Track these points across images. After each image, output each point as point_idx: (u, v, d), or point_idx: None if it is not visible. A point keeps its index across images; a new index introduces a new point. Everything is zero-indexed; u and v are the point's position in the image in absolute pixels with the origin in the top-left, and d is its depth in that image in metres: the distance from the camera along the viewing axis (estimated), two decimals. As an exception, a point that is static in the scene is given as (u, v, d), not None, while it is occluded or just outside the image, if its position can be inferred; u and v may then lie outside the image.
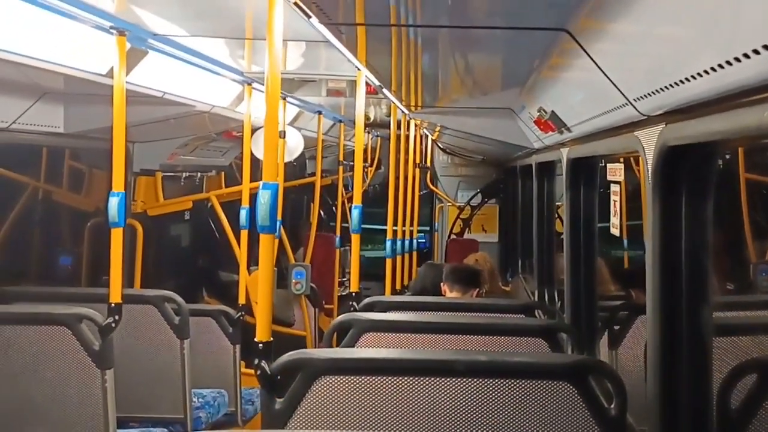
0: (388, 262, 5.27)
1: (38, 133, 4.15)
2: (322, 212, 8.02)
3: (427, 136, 8.57)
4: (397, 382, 2.19)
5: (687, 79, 1.65)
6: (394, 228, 5.56)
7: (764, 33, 1.19)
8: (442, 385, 2.21)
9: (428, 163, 9.01)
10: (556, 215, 5.53)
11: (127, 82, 3.21)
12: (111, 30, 2.99)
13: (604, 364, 2.79)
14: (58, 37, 2.98)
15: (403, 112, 5.71)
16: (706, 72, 1.53)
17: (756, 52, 1.24)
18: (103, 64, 3.31)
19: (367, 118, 7.55)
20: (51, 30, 2.89)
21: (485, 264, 5.39)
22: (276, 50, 2.24)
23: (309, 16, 2.04)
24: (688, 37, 1.57)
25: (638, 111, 2.12)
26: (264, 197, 2.19)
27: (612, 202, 3.58)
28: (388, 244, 5.25)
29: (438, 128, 6.97)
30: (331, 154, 9.41)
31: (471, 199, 8.81)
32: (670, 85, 1.77)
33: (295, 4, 1.90)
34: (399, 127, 6.25)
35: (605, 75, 2.14)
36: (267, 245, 2.23)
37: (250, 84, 4.48)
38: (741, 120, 1.58)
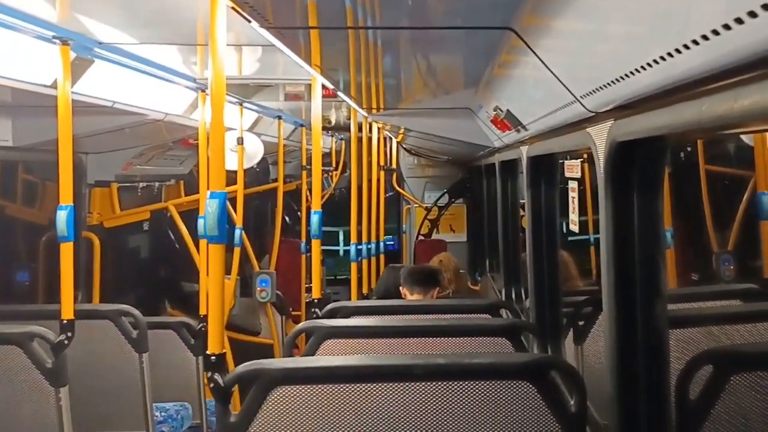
0: (353, 266, 5.24)
1: (-14, 148, 4.05)
2: (287, 218, 7.95)
3: (391, 138, 8.56)
4: (356, 389, 2.16)
5: (631, 73, 1.64)
6: (360, 231, 5.53)
7: (706, 21, 1.18)
8: (402, 390, 2.18)
9: (393, 165, 8.99)
10: (521, 213, 5.54)
11: (74, 93, 3.14)
12: (54, 40, 2.92)
13: (561, 361, 2.79)
14: (2, 48, 2.90)
15: (363, 115, 5.68)
16: (651, 64, 1.52)
17: (704, 37, 1.23)
18: (48, 75, 3.23)
19: (328, 121, 7.51)
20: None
21: (449, 264, 5.38)
22: (220, 55, 2.20)
23: (249, 21, 2.00)
24: (631, 31, 1.56)
25: (586, 108, 2.11)
26: (212, 206, 2.14)
27: (570, 199, 3.59)
28: (353, 247, 5.21)
29: (402, 130, 6.96)
30: (294, 158, 9.35)
31: (438, 199, 8.82)
32: (616, 80, 1.76)
33: (233, 8, 1.86)
34: (361, 130, 6.22)
35: (552, 73, 2.13)
36: (216, 255, 2.18)
37: (203, 90, 4.42)
38: (682, 114, 1.57)
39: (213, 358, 2.14)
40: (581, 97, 2.09)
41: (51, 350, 3.05)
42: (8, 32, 2.79)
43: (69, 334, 3.07)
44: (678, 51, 1.37)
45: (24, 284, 5.33)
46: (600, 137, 2.20)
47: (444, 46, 2.83)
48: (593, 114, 2.16)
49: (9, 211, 5.29)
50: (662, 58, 1.45)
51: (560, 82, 2.15)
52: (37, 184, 5.46)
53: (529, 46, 2.15)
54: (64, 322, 3.08)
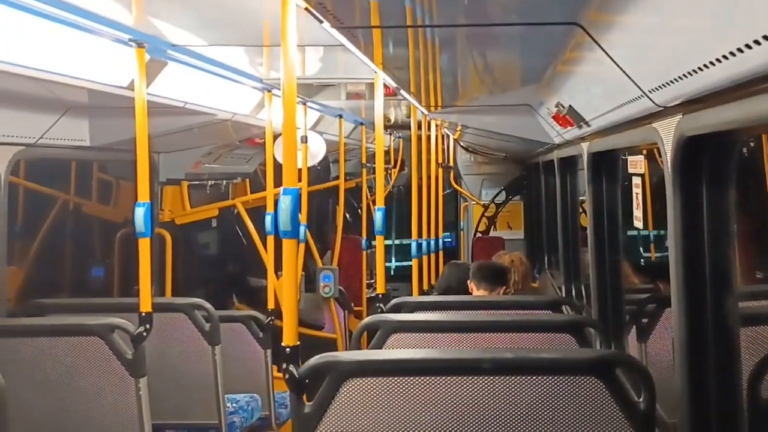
0: (415, 262, 5.28)
1: (65, 147, 4.23)
2: (347, 215, 8.05)
3: (448, 136, 8.57)
4: (425, 382, 2.21)
5: (702, 67, 1.64)
6: (420, 228, 5.58)
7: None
8: (470, 383, 2.21)
9: (451, 163, 8.99)
10: (581, 210, 5.50)
11: (148, 94, 3.27)
12: (130, 42, 3.04)
13: (630, 358, 2.78)
14: (80, 51, 3.04)
15: (422, 112, 5.71)
16: (722, 58, 1.52)
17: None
18: (124, 76, 3.37)
19: (387, 119, 7.57)
20: (72, 45, 2.95)
21: (520, 266, 5.30)
22: (291, 56, 2.27)
23: (321, 21, 2.06)
24: (701, 25, 1.57)
25: (654, 102, 2.11)
26: (285, 202, 2.21)
27: (634, 195, 3.56)
28: (414, 244, 5.26)
29: (459, 127, 6.96)
30: (354, 157, 9.44)
31: (495, 196, 8.79)
32: (686, 74, 1.76)
33: (307, 9, 1.92)
34: (420, 128, 6.26)
35: (619, 67, 2.14)
36: (290, 250, 2.25)
37: (269, 90, 4.52)
38: (756, 108, 1.57)
39: (288, 350, 2.22)
40: (649, 91, 2.09)
41: (131, 342, 3.19)
42: (87, 36, 2.92)
43: (147, 326, 3.20)
44: (749, 46, 1.37)
45: (98, 279, 5.55)
46: (667, 132, 2.20)
47: (506, 43, 2.84)
48: (661, 108, 2.16)
49: (86, 209, 5.51)
50: (735, 52, 1.45)
51: (627, 76, 2.15)
52: (112, 183, 5.68)
53: (595, 41, 2.15)
54: (143, 314, 3.21)
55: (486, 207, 8.80)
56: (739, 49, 1.42)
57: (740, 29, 1.37)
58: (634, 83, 2.13)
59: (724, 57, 1.51)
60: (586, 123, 3.33)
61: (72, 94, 3.55)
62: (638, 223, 3.56)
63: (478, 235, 8.77)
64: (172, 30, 3.14)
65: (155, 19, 2.99)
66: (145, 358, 3.23)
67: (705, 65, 1.63)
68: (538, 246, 7.82)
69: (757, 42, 1.32)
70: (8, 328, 3.38)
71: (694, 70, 1.71)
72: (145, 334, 3.20)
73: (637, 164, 3.52)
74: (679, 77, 1.81)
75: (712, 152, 2.09)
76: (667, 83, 1.92)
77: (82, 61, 3.12)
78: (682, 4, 1.59)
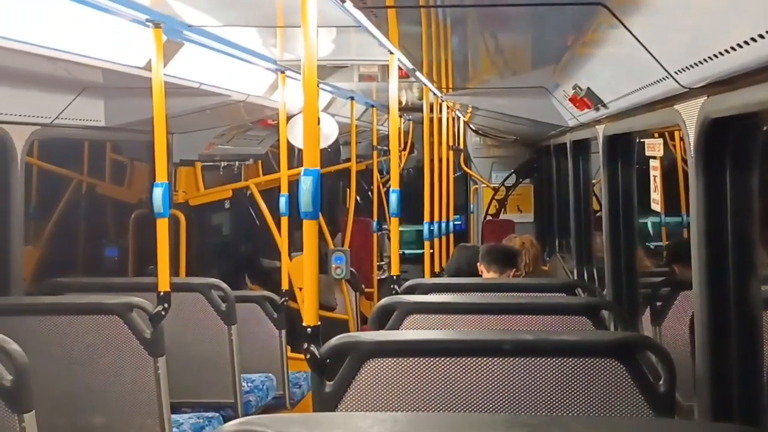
0: (426, 244, 5.29)
1: (80, 127, 4.23)
2: (358, 197, 8.06)
3: (459, 118, 8.54)
4: (445, 362, 2.21)
5: (729, 49, 1.63)
6: (432, 210, 5.58)
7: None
8: (489, 365, 2.22)
9: (461, 145, 8.97)
10: (592, 193, 5.48)
11: (164, 74, 3.26)
12: (147, 23, 3.04)
13: (651, 340, 2.79)
14: (96, 31, 3.04)
15: (435, 94, 5.69)
16: (749, 41, 1.51)
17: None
18: (140, 56, 3.36)
19: (399, 102, 7.54)
20: (89, 25, 2.95)
21: (531, 248, 5.29)
22: (311, 37, 2.26)
23: (343, 1, 2.05)
24: (729, 6, 1.55)
25: (679, 84, 2.09)
26: (306, 183, 2.22)
27: (652, 178, 3.55)
28: (426, 226, 5.26)
29: (470, 110, 6.94)
30: (364, 139, 9.43)
31: (506, 179, 8.78)
32: (713, 56, 1.75)
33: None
34: (431, 110, 6.25)
35: (644, 48, 2.12)
36: (311, 231, 2.26)
37: (283, 72, 4.51)
38: (786, 89, 1.56)
39: (309, 330, 2.23)
40: (675, 72, 2.07)
41: (149, 321, 3.21)
42: (104, 16, 2.92)
43: (166, 305, 3.21)
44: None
45: (113, 259, 5.58)
46: (691, 114, 2.18)
47: (525, 24, 2.82)
48: (685, 90, 2.14)
49: (99, 189, 5.53)
50: (763, 34, 1.44)
51: (653, 57, 2.13)
52: (126, 164, 5.68)
53: (621, 21, 2.14)
54: (161, 293, 3.23)
55: (496, 190, 8.79)
56: (761, 36, 1.41)
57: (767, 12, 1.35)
58: (660, 64, 2.11)
59: (753, 39, 1.50)
60: (604, 105, 3.32)
61: (88, 74, 3.55)
62: (656, 206, 3.56)
63: (488, 218, 8.77)
64: (189, 11, 3.13)
65: (171, 0, 2.98)
66: (164, 338, 3.25)
67: (732, 47, 1.62)
68: (548, 229, 7.82)
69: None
70: (28, 307, 3.41)
71: (721, 52, 1.69)
72: (163, 313, 3.21)
73: (655, 147, 3.50)
74: (706, 59, 1.80)
75: (736, 135, 2.08)
76: (693, 64, 1.91)
77: (98, 41, 3.12)
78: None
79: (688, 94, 2.15)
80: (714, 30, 1.70)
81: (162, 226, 3.22)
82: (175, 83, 3.67)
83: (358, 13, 2.33)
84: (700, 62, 1.86)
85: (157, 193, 3.16)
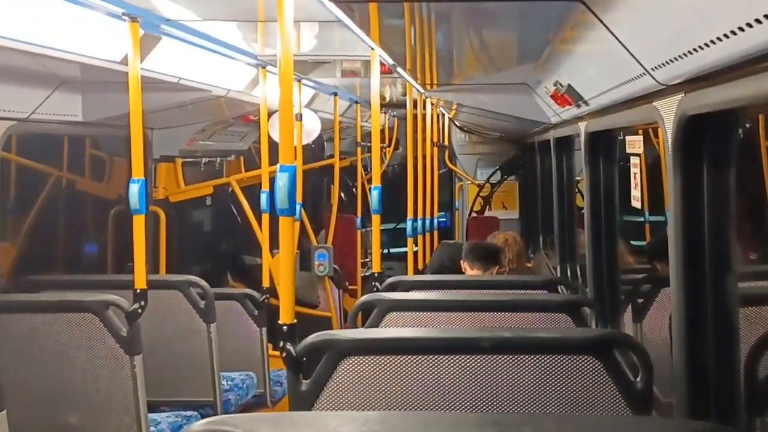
0: (409, 241, 5.28)
1: (57, 123, 4.19)
2: (342, 194, 8.04)
3: (444, 115, 8.53)
4: (423, 360, 2.20)
5: (705, 44, 1.63)
6: (415, 207, 5.56)
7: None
8: (468, 362, 2.21)
9: (446, 142, 8.97)
10: (576, 190, 5.49)
11: (142, 69, 3.23)
12: (123, 16, 3.00)
13: (629, 337, 2.79)
14: (73, 25, 3.00)
15: (418, 91, 5.68)
16: (725, 36, 1.50)
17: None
18: (117, 51, 3.32)
19: (383, 98, 7.52)
20: (65, 19, 2.91)
21: (515, 245, 5.30)
22: (288, 32, 2.24)
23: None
24: (704, 2, 1.54)
25: (656, 80, 2.09)
26: (282, 180, 2.19)
27: (632, 175, 3.55)
28: (409, 223, 5.25)
29: (455, 106, 6.93)
30: (348, 135, 9.40)
31: (490, 176, 8.78)
32: (689, 51, 1.74)
33: (307, -17, 1.89)
34: (415, 107, 6.23)
35: (622, 45, 2.11)
36: (287, 228, 2.23)
37: (264, 67, 4.48)
38: (758, 86, 1.55)
39: (285, 328, 2.21)
40: (652, 69, 2.07)
41: (125, 318, 3.18)
42: (81, 9, 2.88)
43: (142, 302, 3.18)
44: (749, 26, 1.35)
45: (92, 256, 5.52)
46: (668, 111, 2.18)
47: (505, 19, 2.81)
48: (663, 87, 2.14)
49: (79, 185, 5.47)
50: (737, 30, 1.44)
51: (630, 54, 2.12)
52: (105, 159, 5.63)
53: (598, 18, 2.13)
54: (138, 291, 3.20)
55: (481, 187, 8.79)
56: (741, 28, 1.40)
57: (744, 6, 1.35)
58: (637, 61, 2.11)
59: (727, 35, 1.49)
60: (585, 102, 3.31)
61: (65, 68, 3.51)
62: (636, 203, 3.56)
63: (473, 214, 8.77)
64: (166, 4, 3.09)
65: (149, -7, 2.94)
66: (141, 335, 3.22)
67: (708, 43, 1.61)
68: (533, 226, 7.83)
69: (758, 21, 1.31)
70: (3, 304, 3.37)
71: (697, 48, 1.69)
72: (140, 311, 3.18)
73: (635, 144, 3.50)
74: (682, 55, 1.79)
75: (713, 131, 2.07)
76: (669, 61, 1.90)
77: (75, 35, 3.08)
78: (687, -20, 1.57)
79: (666, 90, 2.15)
80: (690, 26, 1.69)
81: (139, 223, 3.18)
82: (153, 78, 3.64)
83: (335, 8, 2.31)
84: (676, 58, 1.85)
85: (134, 190, 3.13)
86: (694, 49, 1.70)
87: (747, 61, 1.55)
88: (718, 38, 1.53)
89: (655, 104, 2.29)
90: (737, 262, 2.12)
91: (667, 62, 1.92)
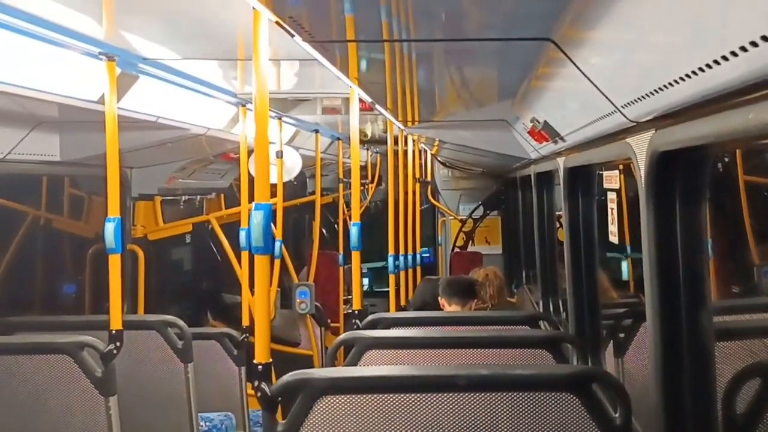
0: (391, 278, 5.26)
1: (35, 162, 4.16)
2: (324, 230, 8.02)
3: (426, 151, 8.58)
4: (400, 399, 2.18)
5: (673, 82, 1.65)
6: (397, 243, 5.56)
7: (748, 31, 1.19)
8: (446, 400, 2.19)
9: (428, 178, 9.01)
10: (558, 224, 5.51)
11: (119, 108, 3.23)
12: (100, 56, 3.01)
13: (605, 373, 2.77)
14: (50, 65, 3.00)
15: (399, 127, 5.72)
16: (693, 73, 1.52)
17: (743, 49, 1.24)
18: (94, 90, 3.32)
19: (364, 134, 7.57)
20: (42, 59, 2.91)
21: (495, 280, 5.30)
22: (263, 70, 2.25)
23: (293, 35, 2.05)
24: (671, 41, 1.57)
25: (627, 118, 2.11)
26: (257, 218, 2.18)
27: (609, 210, 3.57)
28: (391, 260, 5.24)
29: (437, 142, 6.98)
30: (331, 172, 9.42)
31: (473, 212, 8.81)
32: (657, 89, 1.76)
33: (278, 23, 1.91)
34: (397, 143, 6.26)
35: (592, 83, 2.14)
36: (263, 267, 2.22)
37: (244, 105, 4.50)
38: (727, 123, 1.57)
39: (260, 367, 2.18)
40: (622, 107, 2.09)
41: (100, 360, 3.13)
42: (57, 50, 2.88)
43: (118, 343, 3.14)
44: (716, 63, 1.37)
45: (70, 296, 5.45)
46: (641, 147, 2.20)
47: (480, 58, 2.84)
48: (634, 124, 2.16)
49: (56, 224, 5.42)
50: (705, 67, 1.46)
51: (600, 92, 2.15)
52: (83, 198, 5.59)
53: (568, 57, 2.16)
54: (113, 332, 3.15)
55: (464, 222, 8.81)
56: (708, 65, 1.42)
57: (711, 44, 1.37)
58: (607, 99, 2.13)
59: (695, 72, 1.51)
60: (562, 138, 3.34)
61: (42, 108, 3.50)
62: (614, 238, 3.57)
63: (456, 250, 8.78)
64: (144, 43, 3.11)
65: (126, 33, 2.95)
66: (116, 377, 3.16)
67: (676, 80, 1.63)
68: (516, 261, 7.84)
69: (725, 58, 1.33)
70: (-25, 347, 3.30)
71: (665, 85, 1.71)
72: (115, 351, 3.14)
73: (612, 179, 3.53)
74: (651, 92, 1.82)
75: (685, 167, 2.09)
76: (639, 98, 1.92)
77: (52, 75, 3.08)
78: (652, 20, 1.59)
79: (637, 127, 2.17)
80: (658, 64, 1.72)
81: (114, 263, 3.15)
82: (131, 117, 3.64)
83: (309, 48, 2.33)
84: (645, 96, 1.87)
85: (109, 228, 3.11)
86: (663, 87, 1.72)
87: (715, 98, 1.57)
88: (687, 75, 1.55)
89: (628, 140, 2.31)
90: (711, 296, 2.12)
91: (636, 100, 1.95)
